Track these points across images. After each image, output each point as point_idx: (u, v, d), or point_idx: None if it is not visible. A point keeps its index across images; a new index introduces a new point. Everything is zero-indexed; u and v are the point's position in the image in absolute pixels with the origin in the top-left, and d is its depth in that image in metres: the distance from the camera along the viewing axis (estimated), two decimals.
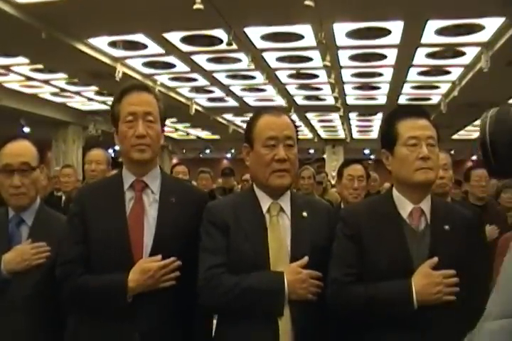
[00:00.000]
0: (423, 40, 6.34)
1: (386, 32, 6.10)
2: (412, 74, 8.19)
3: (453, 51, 6.86)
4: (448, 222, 1.79)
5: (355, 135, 15.67)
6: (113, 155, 9.28)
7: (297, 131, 1.93)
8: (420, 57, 7.10)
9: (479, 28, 5.87)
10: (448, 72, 8.07)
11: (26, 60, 7.58)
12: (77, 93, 10.14)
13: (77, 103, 11.17)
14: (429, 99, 10.11)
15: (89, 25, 5.94)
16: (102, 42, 6.69)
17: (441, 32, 6.01)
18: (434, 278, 1.67)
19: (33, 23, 5.61)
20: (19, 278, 1.96)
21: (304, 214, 1.89)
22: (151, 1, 5.11)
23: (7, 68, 8.10)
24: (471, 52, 6.91)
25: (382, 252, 1.74)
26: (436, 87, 9.19)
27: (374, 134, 15.11)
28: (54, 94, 10.19)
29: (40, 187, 2.16)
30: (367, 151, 17.69)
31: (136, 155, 1.87)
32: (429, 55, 7.05)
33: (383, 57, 7.22)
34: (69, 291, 1.84)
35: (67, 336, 1.90)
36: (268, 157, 1.83)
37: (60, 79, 8.87)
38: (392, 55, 7.07)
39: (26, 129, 11.49)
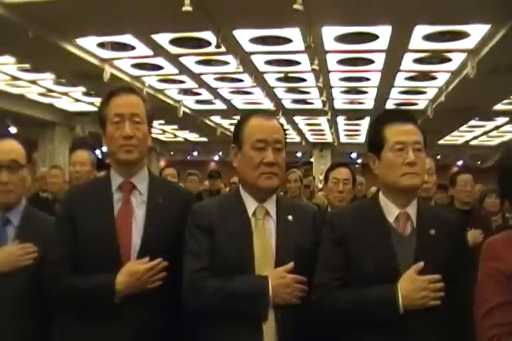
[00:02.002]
0: (411, 46, 6.37)
1: (374, 37, 6.12)
2: (400, 80, 8.22)
3: (440, 57, 6.92)
4: (433, 226, 1.80)
5: (343, 139, 15.70)
6: (100, 156, 9.22)
7: (286, 135, 1.94)
8: (408, 62, 7.14)
9: (465, 34, 5.92)
10: (435, 78, 8.12)
11: (13, 59, 7.49)
12: (65, 93, 10.05)
13: (64, 103, 11.08)
14: (416, 104, 10.17)
15: (78, 25, 5.88)
16: (90, 42, 6.63)
17: (428, 38, 6.04)
18: (419, 283, 1.67)
19: (20, 22, 5.52)
20: (7, 279, 1.95)
21: (290, 217, 1.89)
22: (140, 2, 5.08)
23: None
24: (457, 59, 6.96)
25: (368, 257, 1.74)
26: (423, 93, 9.24)
27: (361, 138, 15.15)
28: (41, 94, 10.09)
29: (27, 186, 2.16)
30: (354, 155, 17.74)
31: (123, 155, 1.89)
32: (417, 61, 7.09)
33: (371, 61, 7.24)
34: (57, 292, 1.85)
35: (55, 337, 1.90)
36: (257, 159, 1.83)
37: (47, 79, 8.80)
38: (380, 59, 7.10)
39: (13, 129, 11.38)
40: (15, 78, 8.68)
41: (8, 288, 1.94)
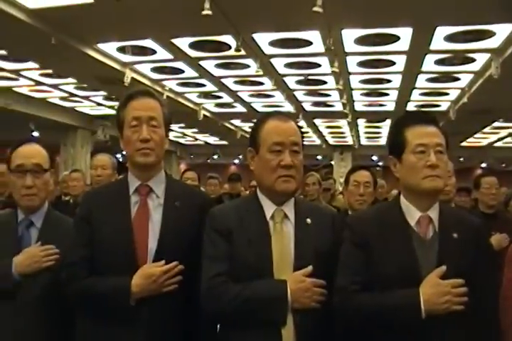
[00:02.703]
0: (432, 47, 6.31)
1: (395, 38, 6.07)
2: (421, 81, 8.15)
3: (462, 58, 6.82)
4: (456, 229, 1.77)
5: (364, 141, 15.63)
6: (121, 160, 9.29)
7: (303, 137, 1.92)
8: (429, 63, 7.07)
9: (489, 34, 5.82)
10: (457, 79, 8.03)
11: (36, 65, 7.62)
12: (86, 98, 10.18)
13: (85, 108, 11.21)
14: (438, 105, 10.05)
15: (99, 30, 5.96)
16: (111, 47, 6.71)
17: (450, 38, 5.97)
18: (442, 288, 1.64)
19: (43, 28, 5.63)
20: (30, 280, 2.00)
21: (308, 220, 1.87)
22: (160, 6, 5.12)
23: (17, 73, 8.14)
24: (480, 59, 6.86)
25: (389, 260, 1.72)
26: (446, 94, 9.14)
27: (382, 141, 15.06)
28: (63, 98, 10.23)
29: (50, 190, 2.20)
30: (375, 158, 17.64)
31: (141, 159, 1.90)
32: (439, 62, 7.01)
33: (392, 63, 7.19)
34: (73, 293, 1.86)
35: (76, 337, 1.91)
36: (274, 162, 1.81)
37: (69, 83, 8.91)
38: (400, 61, 7.04)
39: (35, 134, 11.54)
40: (38, 83, 8.81)
41: (31, 288, 1.99)
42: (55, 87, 9.14)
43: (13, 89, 9.27)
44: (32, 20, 5.48)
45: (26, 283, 2.00)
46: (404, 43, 6.21)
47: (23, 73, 8.15)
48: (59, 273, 1.91)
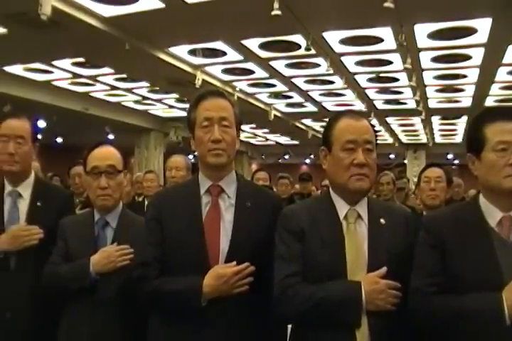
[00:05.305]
0: None
1: (472, 31, 5.84)
2: (501, 74, 7.80)
3: None
4: None
5: (438, 139, 15.21)
6: (193, 160, 9.47)
7: (376, 136, 1.88)
8: (511, 55, 6.74)
9: None
10: None
11: (111, 70, 7.91)
12: (159, 100, 10.46)
13: (158, 110, 11.52)
14: None
15: (170, 34, 6.10)
16: (182, 50, 6.85)
17: None
18: None
19: (117, 35, 5.84)
20: (106, 278, 2.07)
21: (382, 221, 1.82)
22: (230, 8, 5.17)
23: (94, 79, 8.50)
24: None
25: (467, 263, 1.64)
26: None
27: (458, 138, 14.60)
28: (137, 102, 10.57)
29: (124, 191, 2.26)
30: (450, 156, 17.09)
31: (212, 159, 1.90)
32: None
33: (468, 57, 6.94)
34: (145, 293, 1.89)
35: (147, 337, 1.95)
36: (347, 161, 1.78)
37: (142, 87, 9.19)
38: (478, 54, 6.77)
39: (110, 136, 11.98)
40: (113, 88, 9.14)
41: (107, 286, 2.06)
42: (129, 90, 9.46)
43: (90, 94, 9.68)
44: (107, 28, 5.70)
45: (102, 282, 2.07)
46: (482, 35, 5.96)
47: (99, 78, 8.50)
48: (132, 273, 1.95)
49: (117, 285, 2.06)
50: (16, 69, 7.86)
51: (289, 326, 1.92)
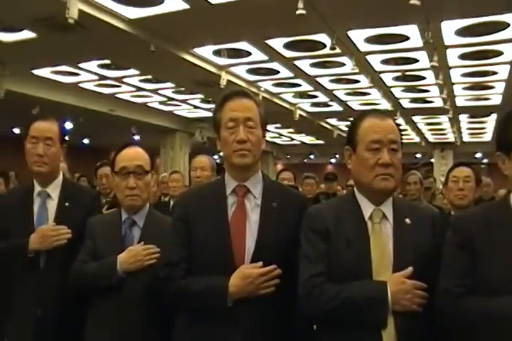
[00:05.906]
0: None
1: (503, 25, 5.70)
2: None
3: None
4: None
5: (466, 138, 14.98)
6: (218, 161, 9.50)
7: (401, 135, 1.86)
8: None
9: None
10: None
11: (137, 72, 7.99)
12: (184, 101, 10.51)
13: (183, 111, 11.58)
14: None
15: (195, 35, 6.13)
16: (206, 51, 6.88)
17: None
18: None
19: (142, 37, 5.90)
20: (133, 277, 2.10)
21: (407, 221, 1.81)
22: (254, 8, 5.17)
23: (120, 80, 8.59)
24: None
25: (496, 264, 1.60)
26: None
27: (487, 137, 14.35)
28: (162, 103, 10.65)
29: (151, 191, 2.29)
30: (479, 155, 16.81)
31: (238, 160, 1.89)
32: None
33: (499, 53, 6.80)
34: (171, 293, 1.90)
35: (174, 335, 1.96)
36: (372, 161, 1.77)
37: (167, 88, 9.26)
38: (509, 50, 6.63)
39: (136, 137, 12.08)
40: (139, 89, 9.23)
41: (133, 285, 2.09)
42: (155, 91, 9.53)
43: (116, 95, 9.79)
44: (132, 30, 5.76)
45: (128, 281, 2.10)
46: None
47: (125, 80, 8.59)
48: (158, 273, 1.96)
49: (143, 284, 2.08)
50: (44, 72, 8.00)
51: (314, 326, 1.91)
